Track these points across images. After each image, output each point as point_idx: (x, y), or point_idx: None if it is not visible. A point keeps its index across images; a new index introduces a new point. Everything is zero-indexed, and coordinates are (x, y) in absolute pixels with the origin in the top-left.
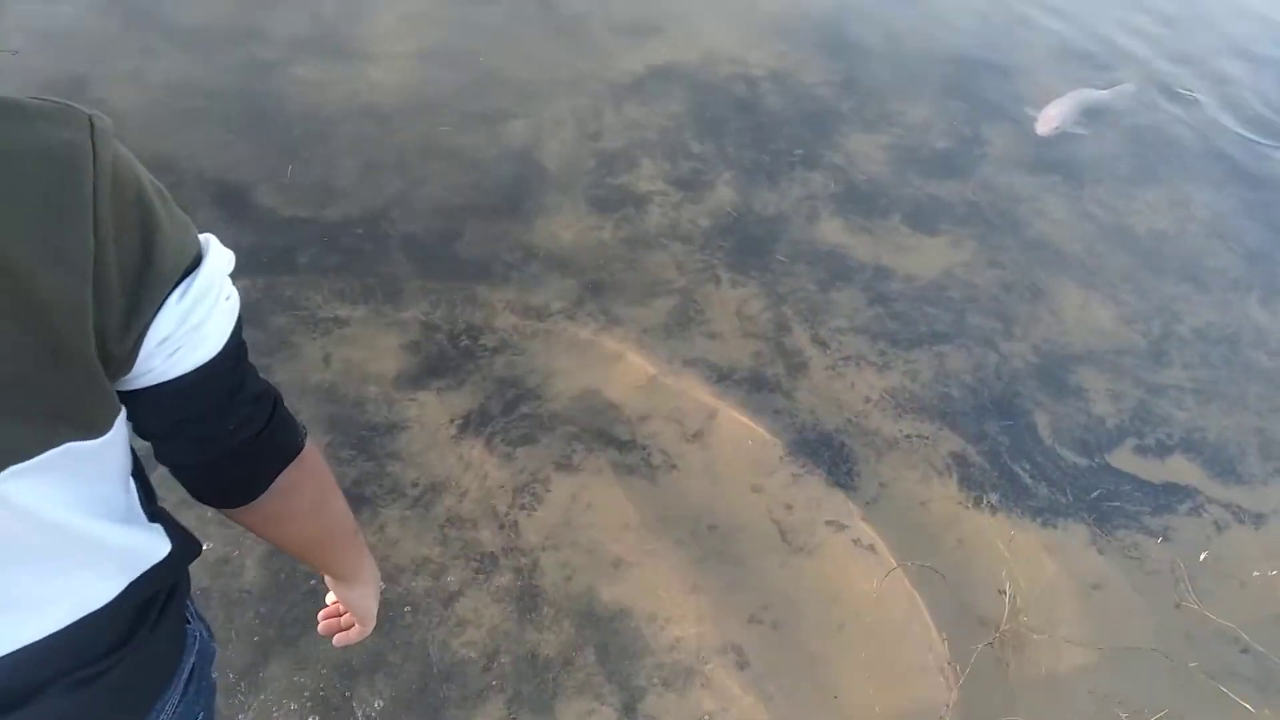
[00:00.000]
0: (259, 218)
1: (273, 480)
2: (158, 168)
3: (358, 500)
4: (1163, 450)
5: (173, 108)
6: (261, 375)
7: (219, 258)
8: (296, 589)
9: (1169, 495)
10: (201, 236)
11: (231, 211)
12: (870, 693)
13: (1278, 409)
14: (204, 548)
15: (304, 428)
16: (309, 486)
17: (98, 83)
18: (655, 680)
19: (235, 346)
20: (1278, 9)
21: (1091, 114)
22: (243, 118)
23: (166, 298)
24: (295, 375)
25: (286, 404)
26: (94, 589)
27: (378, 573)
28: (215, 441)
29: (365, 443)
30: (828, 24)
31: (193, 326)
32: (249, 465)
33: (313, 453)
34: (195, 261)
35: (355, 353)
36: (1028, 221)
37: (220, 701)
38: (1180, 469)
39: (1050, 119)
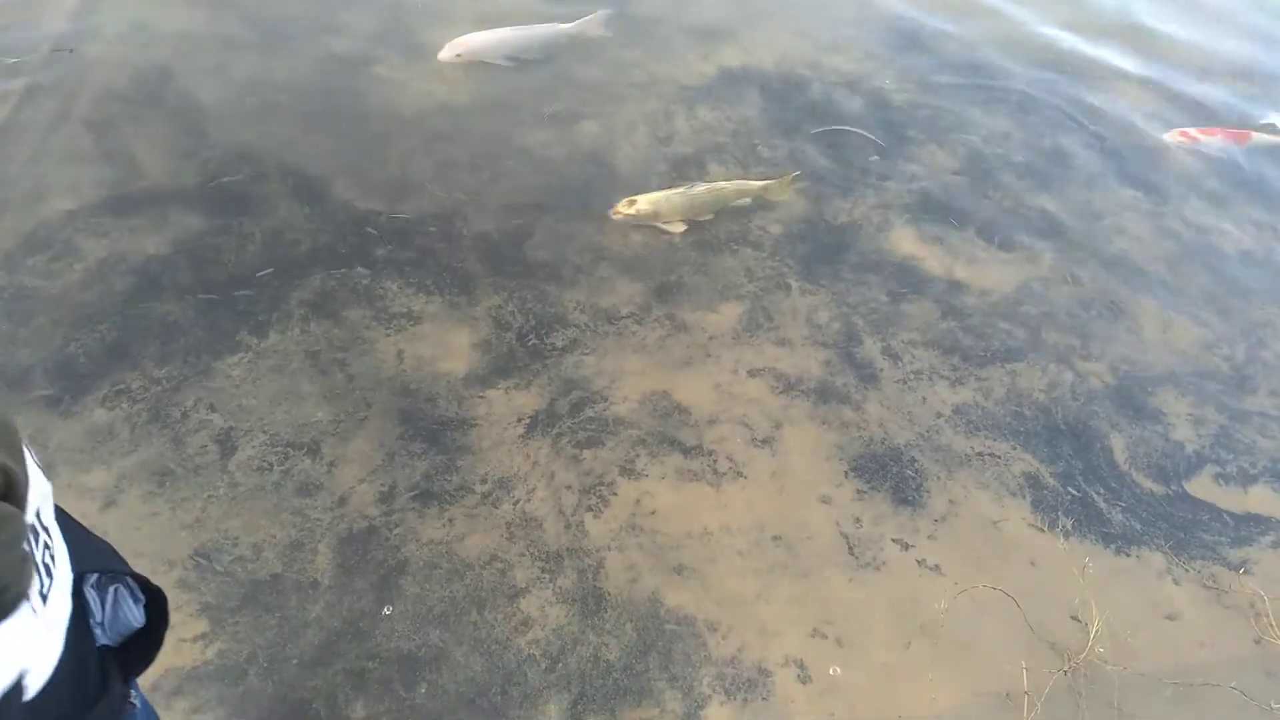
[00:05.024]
0: (336, 210)
1: None
2: (239, 159)
3: (426, 494)
4: (1245, 479)
5: (254, 101)
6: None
7: None
8: (366, 578)
9: (1251, 526)
10: None
11: (310, 203)
12: (936, 716)
13: None
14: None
15: None
16: None
17: (183, 75)
18: (717, 689)
19: None
20: None
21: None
22: (322, 112)
23: None
24: (370, 368)
25: (360, 395)
26: None
27: None
28: None
29: (436, 437)
30: (904, 31)
31: None
32: None
33: None
34: None
35: (427, 348)
36: (1108, 238)
37: (284, 688)
38: (1264, 500)
39: (458, 46)
